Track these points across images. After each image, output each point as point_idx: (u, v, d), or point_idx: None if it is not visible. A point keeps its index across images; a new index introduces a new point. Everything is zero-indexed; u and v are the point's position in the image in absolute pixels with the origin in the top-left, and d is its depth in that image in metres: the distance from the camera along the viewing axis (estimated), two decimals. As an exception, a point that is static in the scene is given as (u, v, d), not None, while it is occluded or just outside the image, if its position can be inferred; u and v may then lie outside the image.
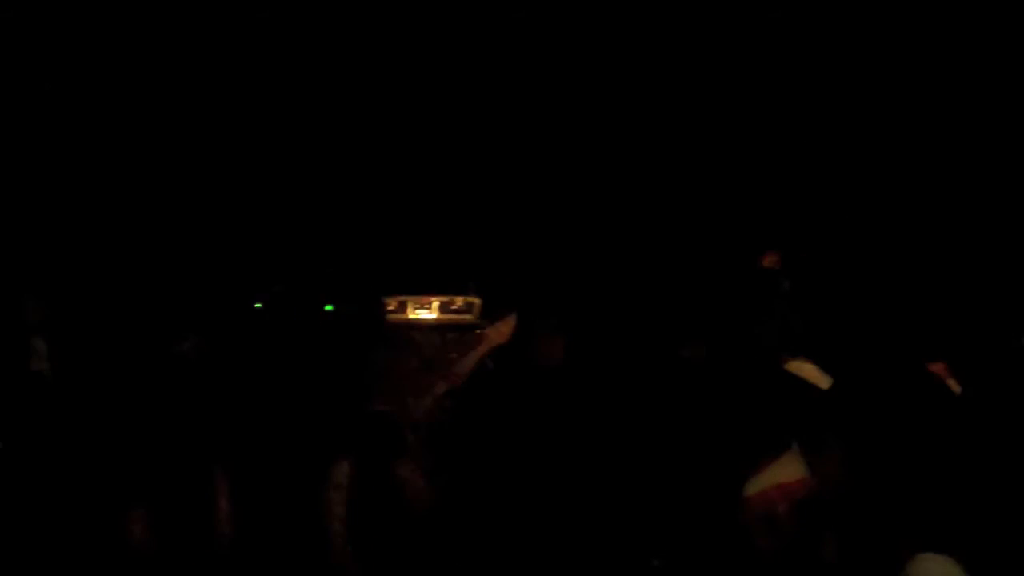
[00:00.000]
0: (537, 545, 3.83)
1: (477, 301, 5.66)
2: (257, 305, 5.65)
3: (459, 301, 5.67)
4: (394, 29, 6.63)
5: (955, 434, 1.70)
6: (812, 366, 3.11)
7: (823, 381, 3.00)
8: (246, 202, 6.94)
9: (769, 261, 5.06)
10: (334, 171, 6.99)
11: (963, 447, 1.71)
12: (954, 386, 3.38)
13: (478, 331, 5.27)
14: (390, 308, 5.47)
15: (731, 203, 6.68)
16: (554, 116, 6.80)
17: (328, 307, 5.56)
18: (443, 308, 5.65)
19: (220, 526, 4.05)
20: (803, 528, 2.30)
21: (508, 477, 3.89)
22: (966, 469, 1.70)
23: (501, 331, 3.99)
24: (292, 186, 7.00)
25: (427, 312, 5.65)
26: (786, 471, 2.34)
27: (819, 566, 2.06)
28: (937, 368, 3.60)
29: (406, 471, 4.35)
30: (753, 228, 6.29)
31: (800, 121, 6.65)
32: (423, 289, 5.75)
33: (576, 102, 6.74)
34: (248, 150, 6.94)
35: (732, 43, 6.52)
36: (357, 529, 4.28)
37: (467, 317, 5.61)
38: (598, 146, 6.84)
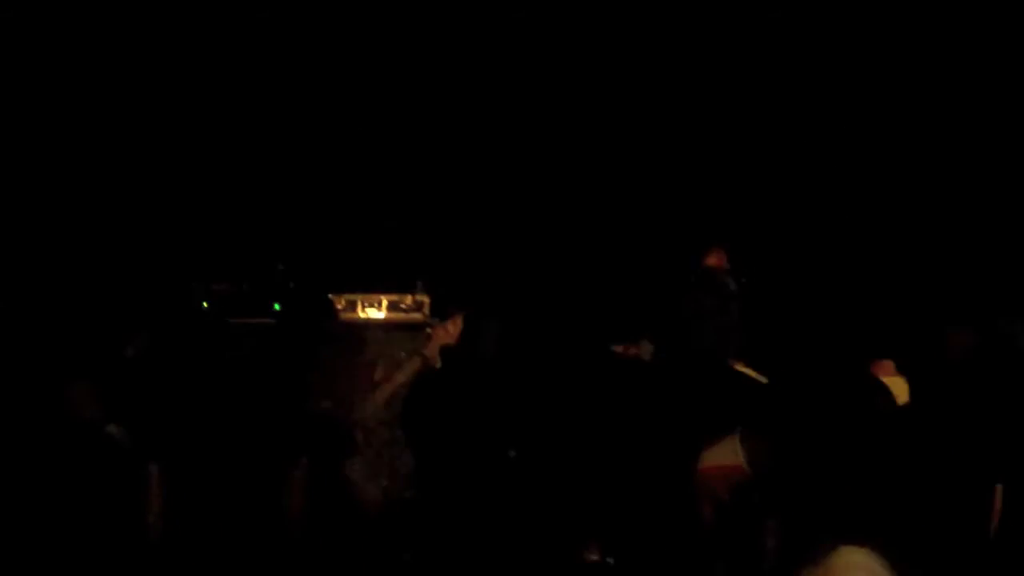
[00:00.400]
0: (488, 541, 3.85)
1: (426, 299, 5.67)
2: (204, 304, 5.62)
3: (408, 300, 5.68)
4: (335, 35, 6.62)
5: (884, 433, 1.74)
6: (748, 367, 3.17)
7: (762, 377, 3.05)
8: (193, 201, 6.89)
9: (714, 259, 5.10)
10: (282, 170, 6.96)
11: (892, 446, 1.76)
12: (900, 384, 3.45)
13: (428, 330, 5.29)
14: (339, 307, 5.47)
15: (677, 203, 6.74)
16: (496, 115, 6.82)
17: (276, 306, 5.56)
18: (392, 307, 5.66)
19: (151, 521, 4.02)
20: (743, 511, 2.34)
21: (456, 475, 3.90)
22: (893, 466, 1.74)
23: (448, 330, 3.99)
24: (240, 185, 6.95)
25: (376, 311, 5.65)
26: (725, 454, 2.38)
27: (760, 552, 2.10)
28: (885, 366, 3.67)
29: (354, 471, 4.35)
30: (699, 227, 6.35)
31: (745, 121, 6.72)
32: (372, 288, 5.75)
33: (519, 100, 6.77)
34: (195, 149, 6.89)
35: (676, 44, 6.58)
36: (309, 528, 4.27)
37: (416, 316, 5.63)
38: (542, 145, 6.88)
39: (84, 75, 6.51)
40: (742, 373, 3.15)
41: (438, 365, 4.05)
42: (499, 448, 3.85)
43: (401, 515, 4.23)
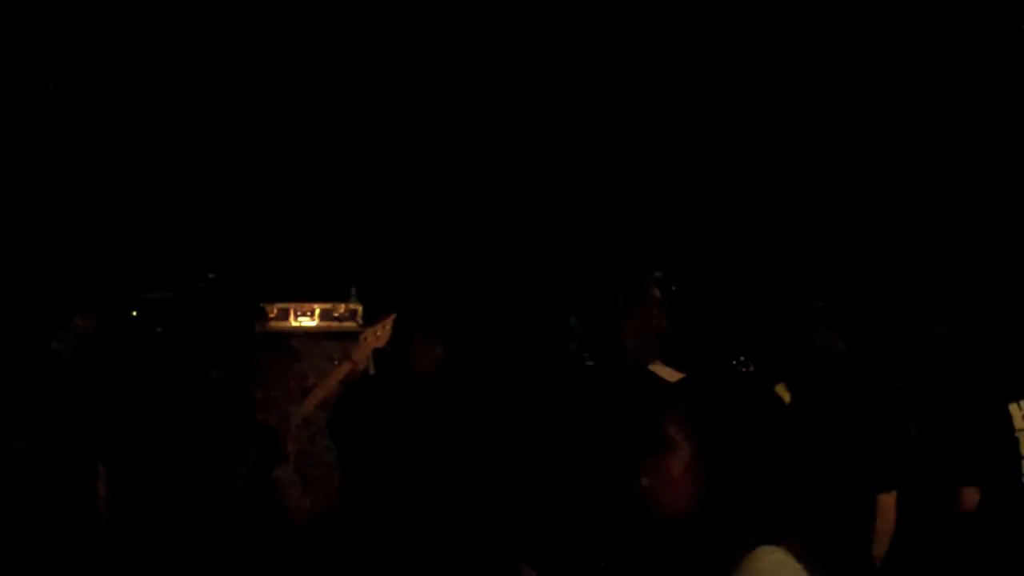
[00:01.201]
0: (413, 548, 3.87)
1: (359, 308, 5.68)
2: (134, 312, 5.57)
3: (341, 308, 5.68)
4: (270, 42, 6.60)
5: (789, 436, 1.80)
6: (670, 369, 3.24)
7: (673, 375, 3.13)
8: (126, 205, 6.82)
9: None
10: (214, 177, 6.92)
11: (797, 449, 1.82)
12: (783, 392, 3.57)
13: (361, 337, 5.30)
14: (271, 315, 5.46)
15: (608, 211, 6.83)
16: (433, 122, 6.85)
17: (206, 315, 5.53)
18: (325, 315, 5.66)
19: (99, 516, 3.98)
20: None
21: (386, 481, 3.92)
22: (801, 469, 1.80)
23: (379, 334, 4.01)
24: (173, 191, 6.90)
25: (309, 319, 5.65)
26: None
27: (675, 556, 2.15)
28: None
29: (284, 477, 4.34)
30: (630, 235, 6.44)
31: (675, 132, 6.83)
32: (305, 296, 5.74)
33: (452, 108, 6.81)
34: (128, 151, 6.82)
35: (604, 52, 6.66)
36: (238, 535, 4.25)
37: (349, 324, 5.63)
38: (476, 154, 6.92)
39: (11, 76, 6.42)
40: (660, 377, 3.22)
41: (371, 370, 4.06)
42: (428, 457, 3.87)
43: (330, 524, 4.23)
